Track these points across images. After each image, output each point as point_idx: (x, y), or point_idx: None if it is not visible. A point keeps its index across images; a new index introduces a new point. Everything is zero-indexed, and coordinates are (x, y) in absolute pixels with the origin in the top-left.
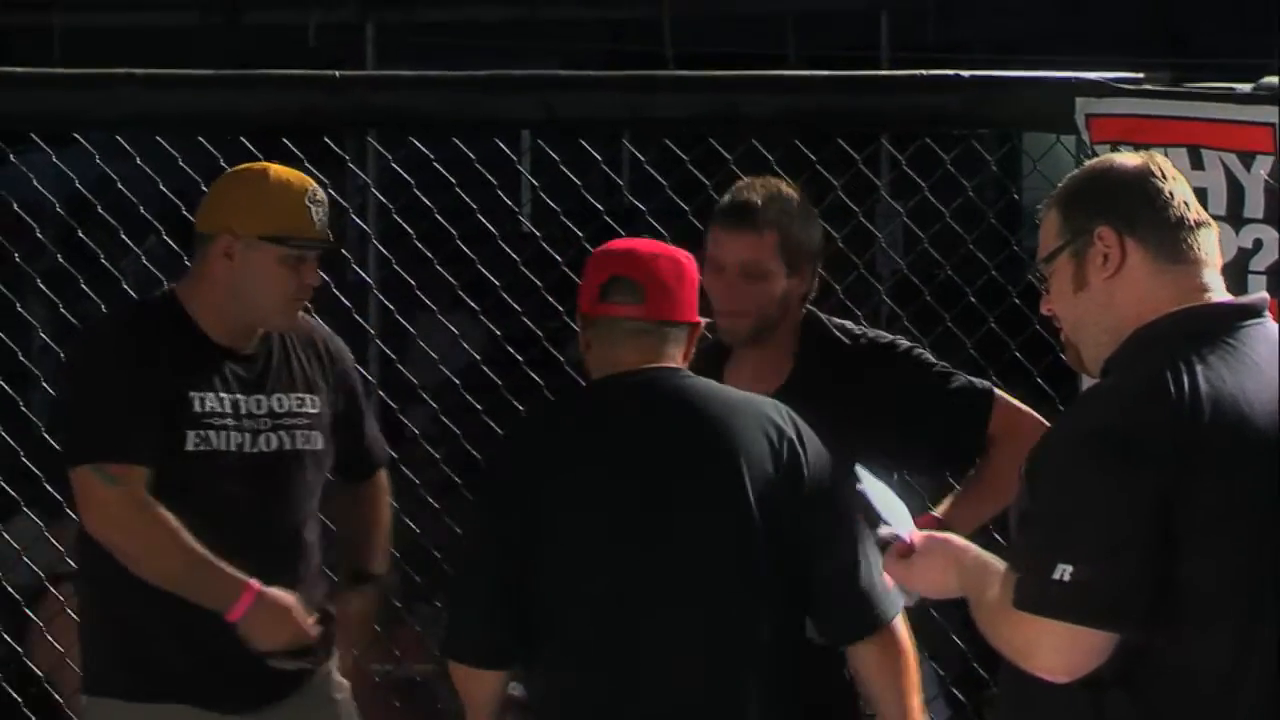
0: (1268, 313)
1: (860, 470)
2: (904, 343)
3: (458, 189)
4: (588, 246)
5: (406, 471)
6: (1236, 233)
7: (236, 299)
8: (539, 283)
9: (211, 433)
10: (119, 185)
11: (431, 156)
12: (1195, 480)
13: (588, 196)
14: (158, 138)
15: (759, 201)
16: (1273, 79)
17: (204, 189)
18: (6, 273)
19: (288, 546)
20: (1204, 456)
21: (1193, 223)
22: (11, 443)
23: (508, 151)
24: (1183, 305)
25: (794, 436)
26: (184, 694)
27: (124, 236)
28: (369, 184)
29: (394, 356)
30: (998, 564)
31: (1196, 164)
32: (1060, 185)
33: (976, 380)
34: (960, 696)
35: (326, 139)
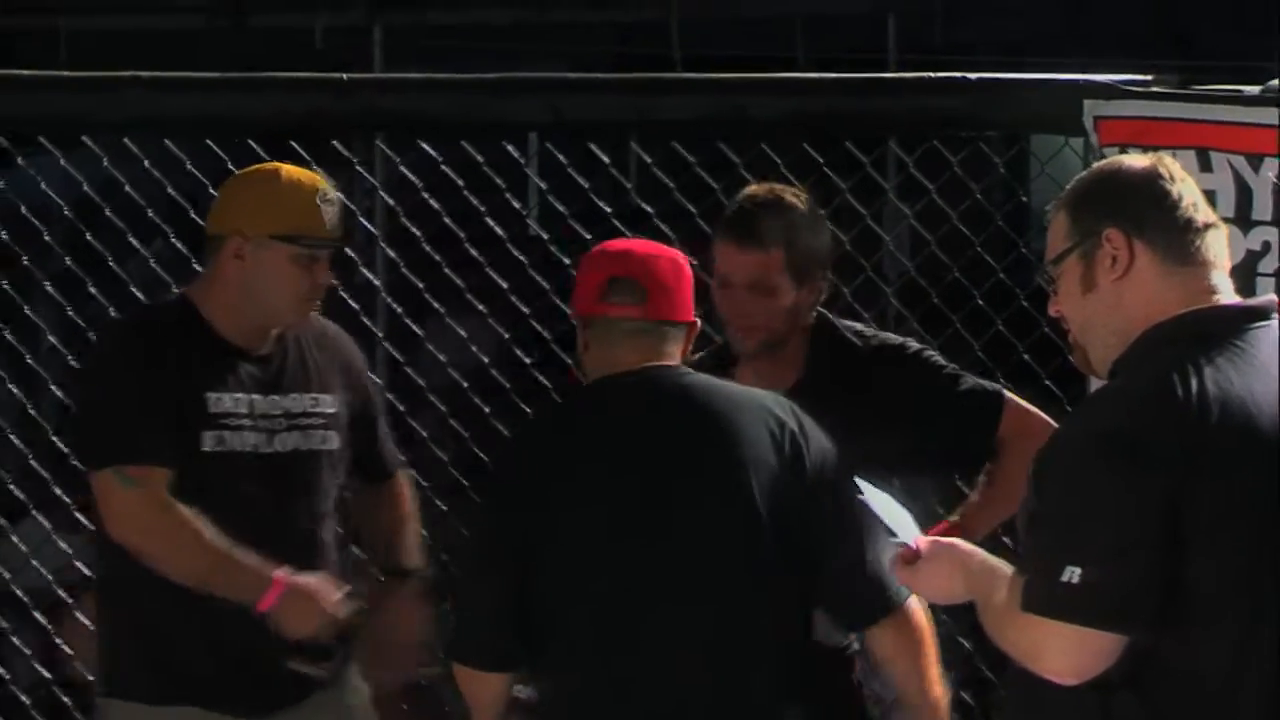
0: (1276, 315)
1: (860, 482)
2: (914, 344)
3: (465, 192)
4: None
5: (415, 474)
6: (1245, 235)
7: (249, 299)
8: (547, 285)
9: (228, 433)
10: (127, 188)
11: (439, 159)
12: (1202, 482)
13: (595, 199)
14: (165, 141)
15: (763, 217)
16: None
17: (212, 192)
18: (15, 275)
19: (305, 546)
20: (1211, 458)
21: (1201, 225)
22: (20, 445)
23: (515, 154)
24: (1191, 307)
25: (796, 429)
26: (202, 697)
27: (131, 239)
28: (377, 187)
29: (402, 359)
30: (1004, 568)
31: (1205, 166)
32: (1069, 187)
33: (987, 382)
34: (968, 699)
35: (334, 142)
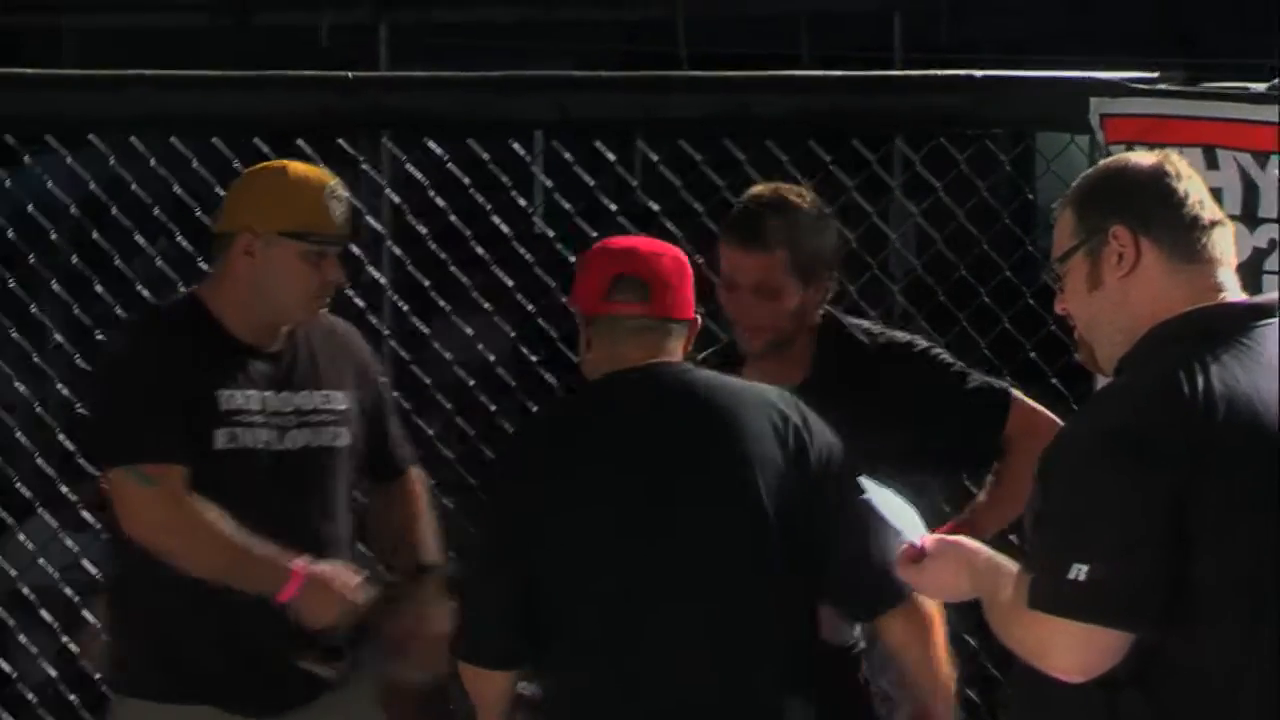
0: None
1: (865, 480)
2: (922, 342)
3: (471, 190)
4: None
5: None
6: (1251, 232)
7: (259, 296)
8: (553, 283)
9: (240, 430)
10: (133, 187)
11: (445, 157)
12: (1209, 479)
13: (601, 197)
14: (171, 139)
15: (767, 218)
16: None
17: (218, 190)
18: (22, 274)
19: (317, 542)
20: (1217, 456)
21: (1207, 222)
22: (27, 443)
23: (521, 152)
24: (1197, 305)
25: (799, 423)
26: (214, 695)
27: (138, 237)
28: (383, 185)
29: (408, 358)
30: (1010, 565)
31: (1211, 164)
32: (1075, 184)
33: (994, 380)
34: (974, 697)
35: (340, 140)
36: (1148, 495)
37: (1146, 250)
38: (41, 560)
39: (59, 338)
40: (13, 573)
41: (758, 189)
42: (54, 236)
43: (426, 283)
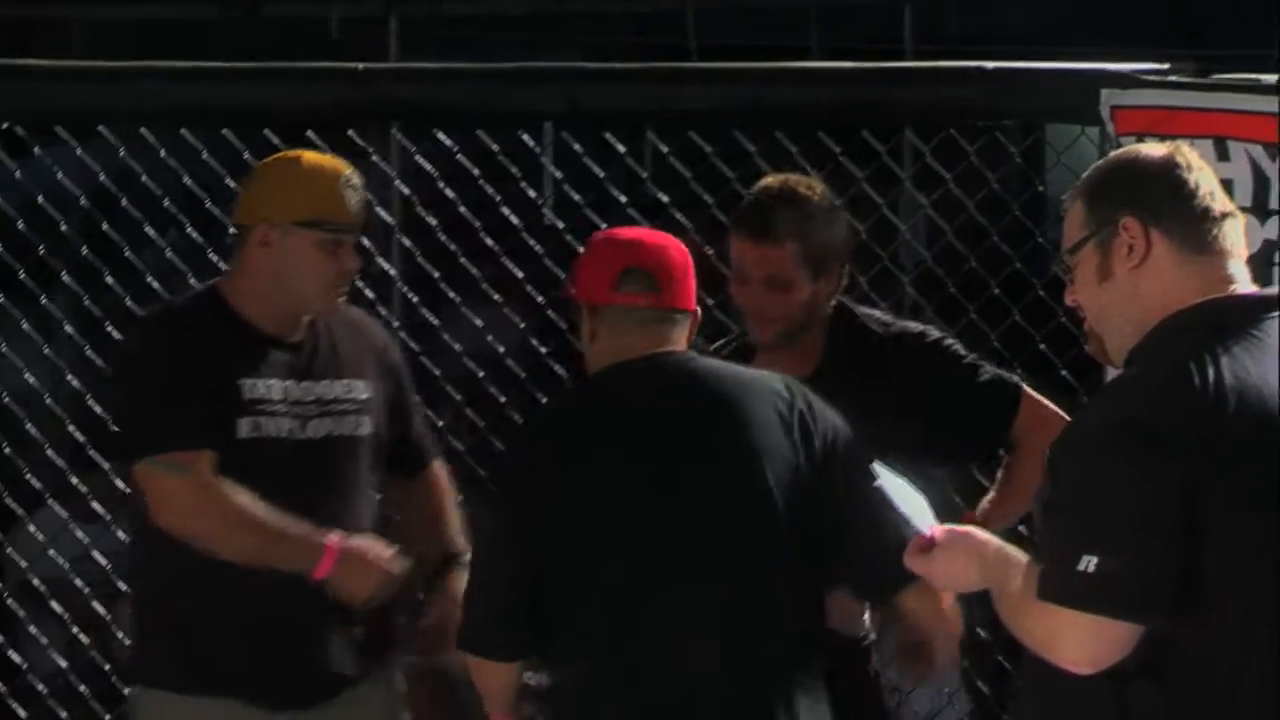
0: None
1: (877, 467)
2: (935, 332)
3: (481, 181)
4: None
5: None
6: (1262, 224)
7: (278, 286)
8: (562, 275)
9: (263, 419)
10: (143, 178)
11: (455, 149)
12: (1219, 471)
13: (611, 189)
14: (181, 131)
15: (777, 211)
16: None
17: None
18: (31, 265)
19: (341, 530)
20: (1228, 447)
21: (1218, 214)
22: (37, 434)
23: (531, 144)
24: (1207, 296)
25: (804, 408)
26: (235, 688)
27: (148, 229)
28: (393, 176)
29: (418, 349)
30: (1020, 556)
31: (1222, 155)
32: (1085, 176)
33: (1006, 374)
34: (983, 688)
35: (350, 132)
36: (1158, 487)
37: (1157, 242)
38: (52, 551)
39: (69, 329)
40: (23, 564)
41: (768, 181)
42: (64, 228)
43: (436, 274)
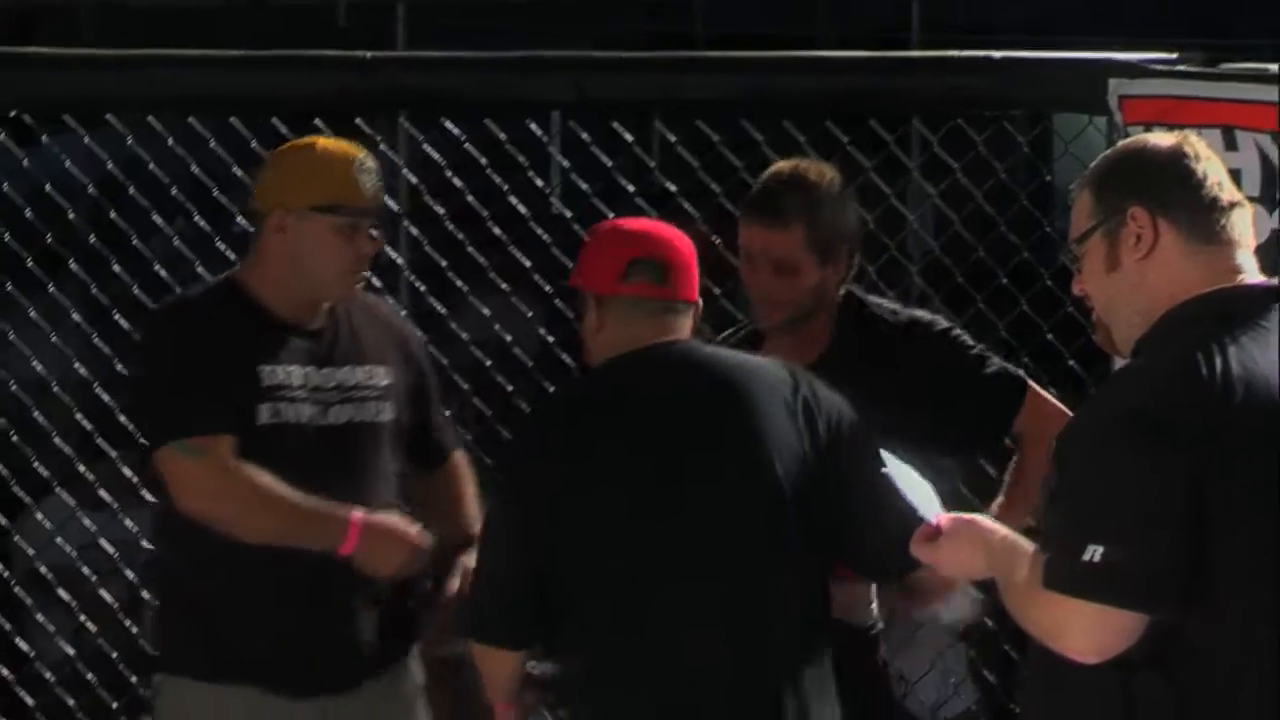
0: None
1: (885, 455)
2: (942, 322)
3: (488, 170)
4: None
5: None
6: (1270, 214)
7: (295, 272)
8: (570, 264)
9: (283, 405)
10: (150, 166)
11: (463, 137)
12: (1226, 461)
13: (618, 178)
14: (189, 119)
15: (785, 195)
16: None
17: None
18: (39, 253)
19: None
20: (1235, 437)
21: (1226, 204)
22: (45, 423)
23: (538, 133)
24: (1215, 286)
25: (808, 393)
26: (257, 676)
27: (155, 217)
28: (400, 165)
29: (425, 338)
30: (1026, 545)
31: (1230, 145)
32: (1093, 165)
33: (1012, 367)
34: (990, 677)
35: (357, 120)
36: (1165, 477)
37: (1165, 232)
38: (59, 539)
39: (77, 317)
40: (30, 552)
41: (779, 166)
42: (72, 216)
43: (444, 263)
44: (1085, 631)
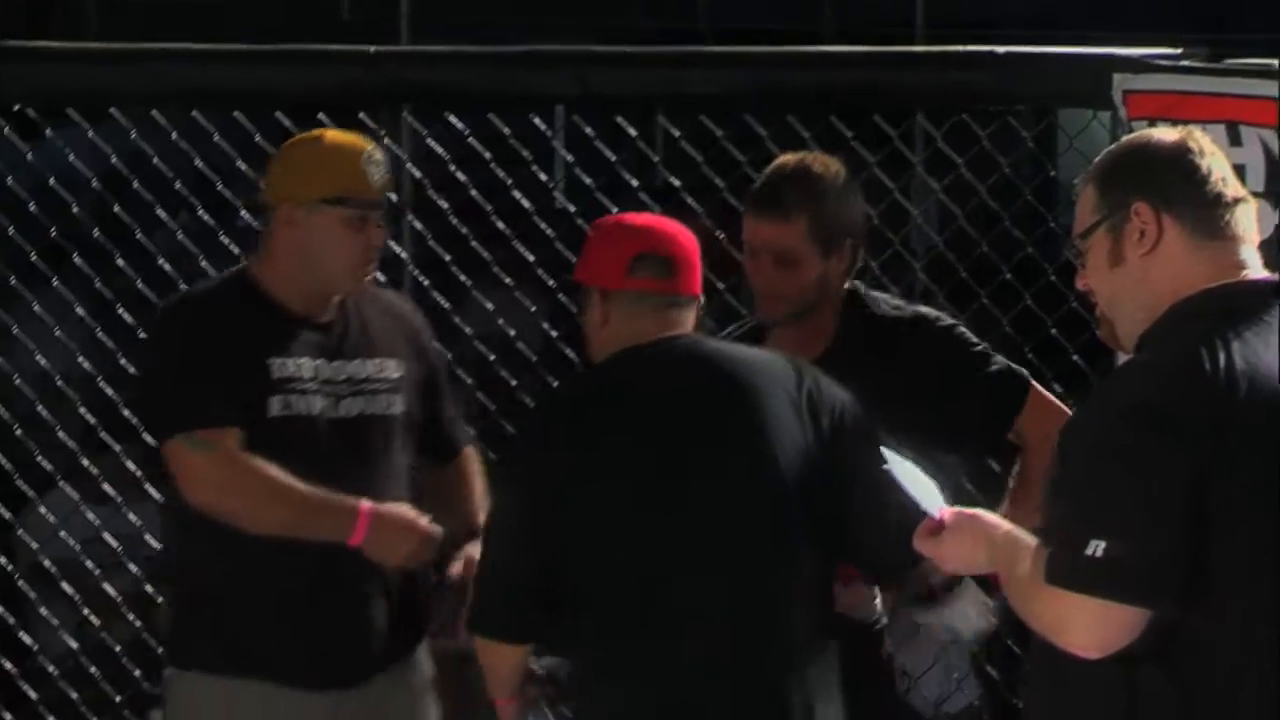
0: None
1: (886, 451)
2: (947, 319)
3: (492, 165)
4: None
5: None
6: (1274, 209)
7: (306, 265)
8: (573, 258)
9: (294, 397)
10: (154, 160)
11: (466, 132)
12: (1230, 456)
13: (622, 172)
14: (193, 113)
15: (787, 187)
16: None
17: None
18: (42, 247)
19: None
20: (1238, 432)
21: (1230, 199)
22: (48, 415)
23: (542, 127)
24: (1219, 281)
25: (812, 386)
26: (268, 670)
27: (159, 211)
28: (404, 159)
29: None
30: (1029, 539)
31: (1235, 140)
32: (1097, 160)
33: (1016, 366)
34: (992, 673)
35: (361, 114)
36: (1167, 471)
37: (1168, 227)
38: (63, 533)
39: (80, 311)
40: (34, 545)
41: (784, 159)
42: (75, 210)
43: (447, 257)
44: (1087, 626)
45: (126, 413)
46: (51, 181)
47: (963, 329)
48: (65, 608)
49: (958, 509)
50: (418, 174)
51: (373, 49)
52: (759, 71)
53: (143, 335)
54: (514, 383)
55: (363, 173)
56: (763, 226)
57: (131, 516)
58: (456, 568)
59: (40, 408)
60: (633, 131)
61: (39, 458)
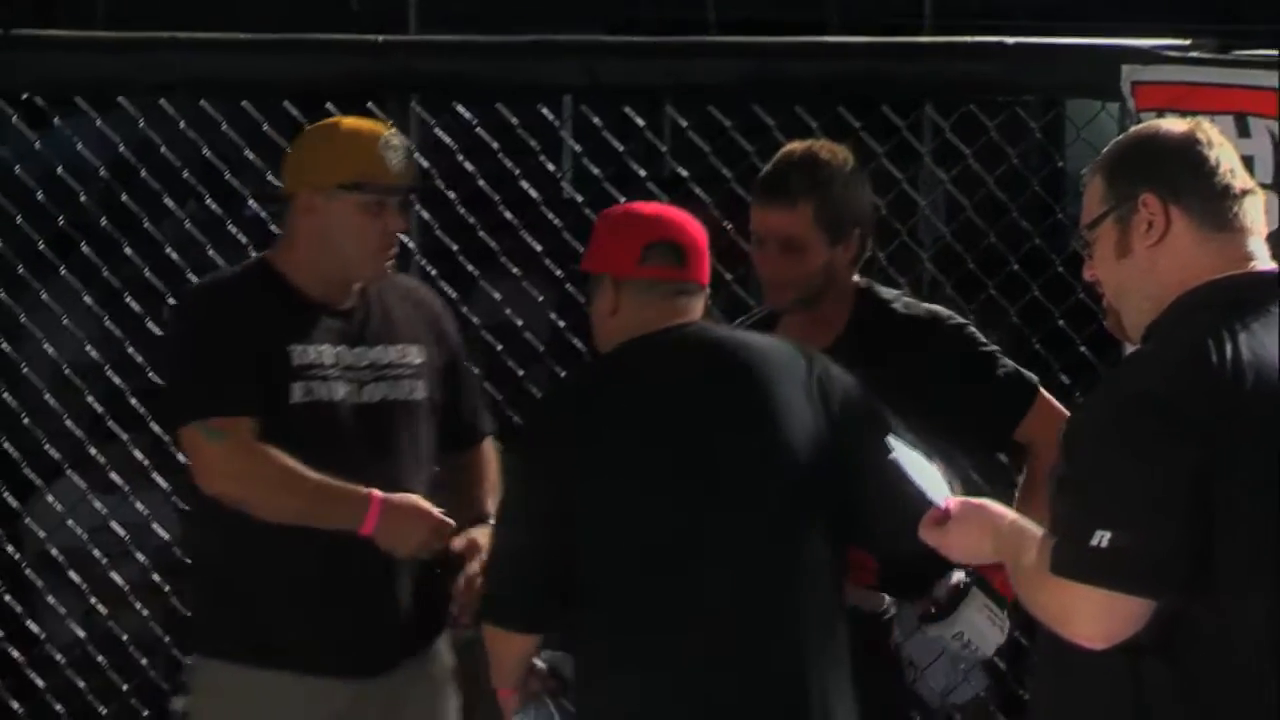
0: None
1: (892, 440)
2: (958, 319)
3: (500, 155)
4: None
5: None
6: None
7: (325, 252)
8: (581, 248)
9: (316, 384)
10: (162, 149)
11: (474, 121)
12: (1235, 447)
13: (630, 163)
14: (201, 102)
15: (793, 173)
16: None
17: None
18: (50, 235)
19: (399, 493)
20: (1244, 423)
21: (1238, 191)
22: (56, 405)
23: (550, 117)
24: (1226, 273)
25: (822, 372)
26: (290, 660)
27: (167, 200)
28: (412, 149)
29: None
30: (1035, 529)
31: (1243, 132)
32: (1105, 151)
33: (1025, 371)
34: (999, 664)
35: (369, 104)
36: (1173, 462)
37: (1176, 219)
38: (70, 522)
39: (88, 299)
40: (41, 534)
41: (791, 146)
42: (83, 198)
43: (455, 247)
44: (1092, 617)
45: (134, 401)
46: (59, 170)
47: (973, 329)
48: (72, 596)
49: (963, 498)
50: (425, 163)
51: (380, 38)
52: (766, 61)
53: (153, 324)
54: (521, 373)
55: (380, 158)
56: (769, 213)
57: (139, 505)
58: (459, 543)
59: (48, 396)
60: (640, 121)
61: (46, 446)
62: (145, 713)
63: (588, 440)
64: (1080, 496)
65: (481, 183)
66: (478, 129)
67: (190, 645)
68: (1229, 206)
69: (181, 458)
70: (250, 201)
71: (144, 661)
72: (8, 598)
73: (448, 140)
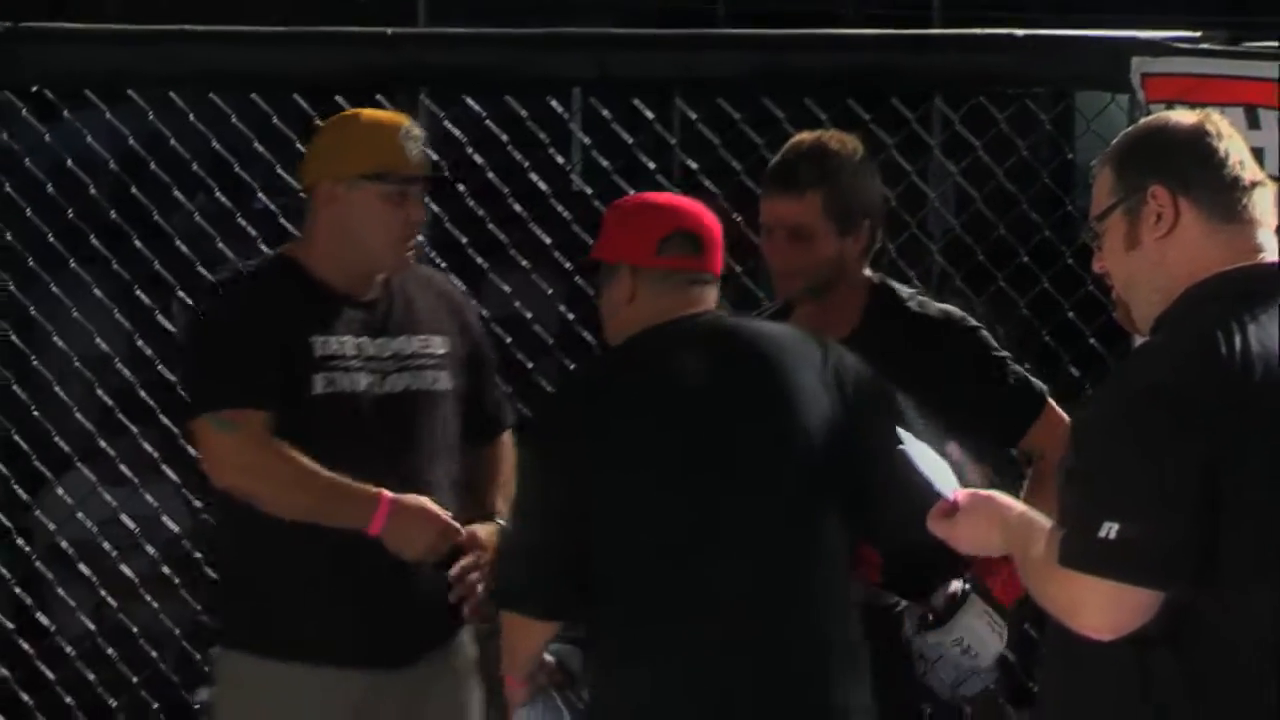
0: None
1: (901, 433)
2: (972, 321)
3: (509, 147)
4: None
5: None
6: None
7: (347, 243)
8: (590, 241)
9: (338, 374)
10: (172, 142)
11: (484, 114)
12: (1244, 439)
13: (639, 155)
14: (210, 95)
15: (802, 163)
16: None
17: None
18: (60, 228)
19: (423, 485)
20: (1253, 415)
21: (1247, 183)
22: (65, 398)
23: (559, 109)
24: (1235, 265)
25: (837, 361)
26: (312, 652)
27: (176, 193)
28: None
29: None
30: (1043, 521)
31: (1253, 124)
32: (1114, 143)
33: (1035, 380)
34: (1009, 656)
35: (379, 97)
36: (1182, 453)
37: (1185, 210)
38: (80, 514)
39: (97, 292)
40: (51, 526)
41: (801, 136)
42: (93, 191)
43: (464, 240)
44: (1100, 608)
45: (144, 394)
46: (69, 163)
47: (986, 333)
48: (83, 589)
49: (972, 490)
50: (435, 156)
51: (390, 31)
52: (776, 54)
53: (162, 317)
54: (530, 365)
55: (401, 148)
56: (778, 203)
57: (149, 498)
58: (469, 528)
59: (58, 389)
60: (650, 114)
61: (56, 439)
62: (155, 705)
63: (601, 432)
64: (1088, 488)
65: (491, 175)
66: (487, 121)
67: (213, 635)
68: (1238, 198)
69: (192, 450)
70: (260, 194)
71: (154, 654)
72: (18, 590)
73: (457, 133)
